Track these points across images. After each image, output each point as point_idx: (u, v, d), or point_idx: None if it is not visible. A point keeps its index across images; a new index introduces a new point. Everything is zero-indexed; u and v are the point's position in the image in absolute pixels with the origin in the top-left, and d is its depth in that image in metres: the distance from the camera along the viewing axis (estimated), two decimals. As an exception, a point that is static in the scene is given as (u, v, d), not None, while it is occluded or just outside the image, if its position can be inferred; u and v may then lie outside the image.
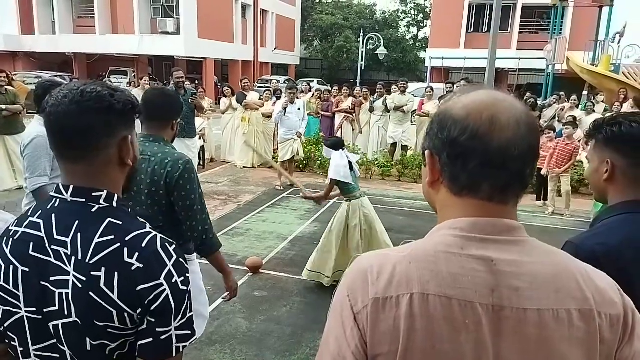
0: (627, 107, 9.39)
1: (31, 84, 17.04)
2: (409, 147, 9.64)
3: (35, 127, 2.82)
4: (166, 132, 2.21)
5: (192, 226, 2.13)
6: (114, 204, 1.03)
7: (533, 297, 0.74)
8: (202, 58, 23.63)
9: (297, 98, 8.45)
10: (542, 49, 15.49)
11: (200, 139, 8.46)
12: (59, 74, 21.37)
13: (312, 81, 25.06)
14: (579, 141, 8.40)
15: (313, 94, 10.78)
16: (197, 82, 21.62)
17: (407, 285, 0.75)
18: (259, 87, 19.95)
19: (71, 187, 1.02)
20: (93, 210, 1.01)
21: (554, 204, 6.79)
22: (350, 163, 4.12)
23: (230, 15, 25.71)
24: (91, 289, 0.95)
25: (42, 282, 0.99)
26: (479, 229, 0.77)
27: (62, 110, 0.98)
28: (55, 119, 1.00)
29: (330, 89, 11.53)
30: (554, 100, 9.65)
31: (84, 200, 1.01)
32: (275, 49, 30.84)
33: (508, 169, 0.77)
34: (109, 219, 1.00)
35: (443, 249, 0.77)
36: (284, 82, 23.39)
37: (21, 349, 1.03)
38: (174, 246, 1.03)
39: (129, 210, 1.08)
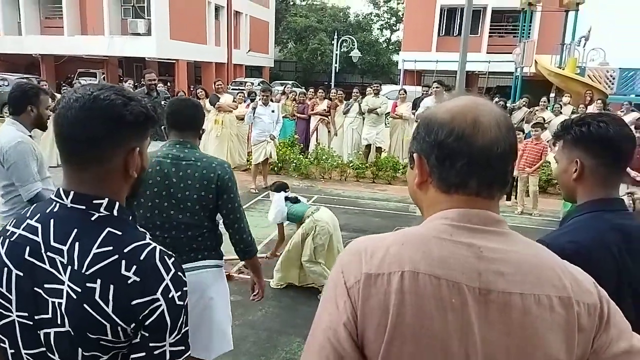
0: (592, 109, 9.70)
1: (-5, 85, 16.51)
2: (383, 149, 9.73)
3: (12, 131, 2.66)
4: (196, 140, 2.23)
5: (238, 229, 2.19)
6: (115, 213, 1.01)
7: (517, 282, 0.78)
8: (174, 60, 23.34)
9: (272, 100, 8.44)
10: (511, 52, 15.88)
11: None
12: (25, 75, 20.74)
13: (287, 84, 25.09)
14: (547, 142, 8.65)
15: (287, 95, 10.77)
16: (169, 84, 21.38)
17: (398, 263, 0.79)
18: (232, 89, 19.83)
19: (72, 193, 0.99)
20: (93, 218, 0.98)
21: (523, 204, 6.97)
22: (293, 198, 4.44)
23: (203, 16, 25.48)
24: (85, 301, 0.93)
25: (35, 288, 0.96)
26: (467, 219, 0.82)
27: (71, 115, 0.96)
28: (64, 123, 0.97)
29: (305, 91, 11.54)
30: (524, 103, 9.89)
31: (84, 207, 0.99)
32: (249, 51, 30.70)
33: (492, 166, 0.83)
34: (108, 229, 0.98)
35: (434, 234, 0.82)
36: (258, 84, 23.36)
37: (12, 351, 1.01)
38: (172, 259, 1.01)
39: (130, 218, 1.05)
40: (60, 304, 0.94)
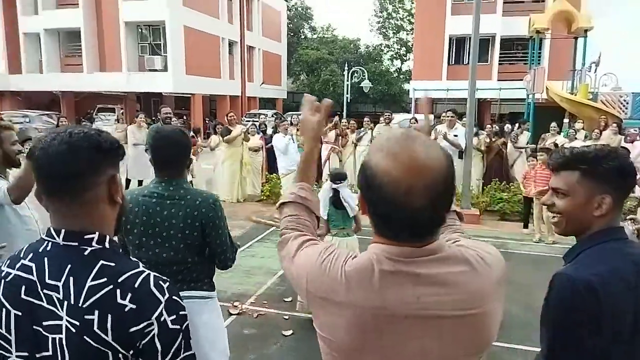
0: (608, 133, 9.63)
1: (18, 123, 17.03)
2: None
3: None
4: (183, 173, 2.22)
5: (223, 260, 2.24)
6: (106, 245, 1.04)
7: (448, 301, 0.93)
8: (190, 94, 23.88)
9: (286, 129, 8.64)
10: (522, 79, 15.94)
11: (189, 174, 8.47)
12: (46, 112, 21.39)
13: (300, 114, 25.35)
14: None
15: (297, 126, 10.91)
16: (185, 117, 21.80)
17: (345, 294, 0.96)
18: (247, 120, 20.16)
19: (63, 231, 1.02)
20: (85, 253, 1.01)
21: (540, 231, 6.85)
22: (336, 198, 4.08)
23: (217, 51, 26.18)
24: (85, 333, 0.95)
25: (34, 327, 0.98)
26: (405, 255, 0.94)
27: (52, 152, 1.00)
28: (46, 161, 1.01)
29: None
30: (527, 128, 10.06)
31: (76, 243, 1.02)
32: (262, 83, 31.32)
33: (421, 225, 0.94)
34: (101, 262, 1.00)
35: (377, 267, 0.94)
36: (272, 116, 23.70)
37: None
38: (167, 284, 1.03)
39: (121, 250, 1.09)
40: (60, 339, 0.96)
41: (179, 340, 1.00)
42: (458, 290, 0.94)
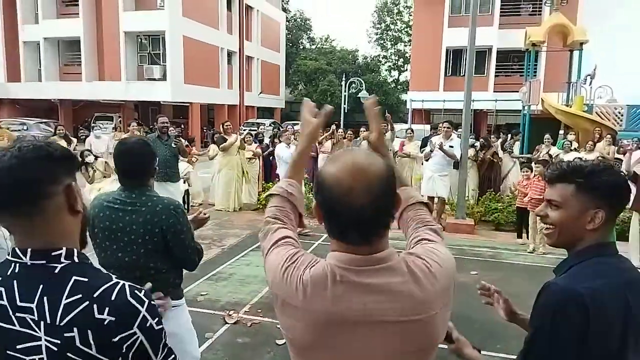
0: (602, 145, 9.70)
1: (16, 130, 17.05)
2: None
3: None
4: (147, 181, 2.27)
5: (188, 262, 2.29)
6: (75, 259, 1.03)
7: (392, 308, 1.03)
8: (188, 103, 23.95)
9: (280, 140, 8.71)
10: (518, 91, 16.06)
11: (185, 183, 8.48)
12: (44, 120, 21.43)
13: (297, 124, 25.47)
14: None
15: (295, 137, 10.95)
16: (182, 126, 21.86)
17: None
18: (243, 129, 20.25)
19: (29, 250, 1.01)
20: (56, 271, 1.00)
21: (535, 242, 6.88)
22: None
23: (216, 61, 26.31)
24: (68, 350, 0.95)
25: (8, 352, 0.97)
26: (355, 263, 1.04)
27: (3, 167, 0.99)
28: None
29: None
30: (518, 139, 10.13)
31: (44, 261, 1.00)
32: (260, 93, 31.46)
33: (364, 223, 1.02)
34: (74, 278, 1.00)
35: (329, 277, 1.03)
36: (270, 125, 23.79)
37: None
38: (143, 291, 1.05)
39: (89, 262, 1.08)
40: (41, 359, 0.96)
41: (163, 337, 1.06)
42: (402, 298, 1.03)
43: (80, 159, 6.99)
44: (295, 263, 1.09)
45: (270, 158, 10.32)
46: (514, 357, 3.97)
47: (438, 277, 1.07)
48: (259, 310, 4.58)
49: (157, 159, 2.34)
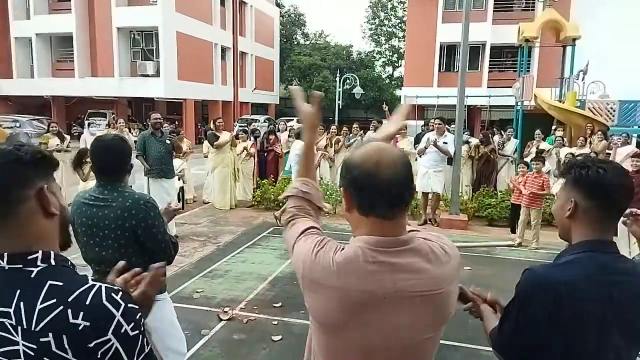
0: (595, 140, 9.78)
1: (8, 127, 16.92)
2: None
3: None
4: (121, 178, 2.31)
5: (163, 256, 2.28)
6: (52, 262, 1.02)
7: (418, 284, 1.17)
8: (182, 99, 23.86)
9: (276, 137, 8.68)
10: (511, 87, 16.13)
11: (179, 179, 8.47)
12: (36, 117, 21.28)
13: (292, 119, 25.45)
14: (548, 173, 8.75)
15: (290, 134, 10.92)
16: (176, 122, 21.78)
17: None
18: (239, 126, 20.22)
19: (5, 255, 1.00)
20: (32, 275, 0.99)
21: (522, 236, 6.96)
22: None
23: (210, 57, 26.21)
24: (45, 355, 0.95)
25: None
26: (383, 245, 1.17)
27: None
28: None
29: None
30: (510, 134, 10.22)
31: (21, 266, 1.00)
32: (254, 89, 31.37)
33: (392, 193, 1.15)
34: (49, 282, 0.99)
35: (352, 258, 1.15)
36: (264, 121, 23.74)
37: None
38: (120, 293, 1.03)
39: (69, 263, 1.07)
40: None
41: (139, 342, 1.03)
42: (426, 275, 1.18)
43: (78, 158, 6.96)
44: (324, 247, 1.20)
45: (265, 155, 10.32)
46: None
47: (451, 256, 1.25)
48: (255, 307, 4.61)
49: (133, 155, 2.41)
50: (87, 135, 10.22)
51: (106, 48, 23.03)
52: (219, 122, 9.23)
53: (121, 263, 1.42)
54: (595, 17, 17.29)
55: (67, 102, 25.34)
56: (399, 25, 38.13)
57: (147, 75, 23.02)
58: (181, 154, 8.56)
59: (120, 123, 10.07)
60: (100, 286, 1.02)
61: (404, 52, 30.37)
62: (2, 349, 0.97)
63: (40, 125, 19.35)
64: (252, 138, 10.21)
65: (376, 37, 40.32)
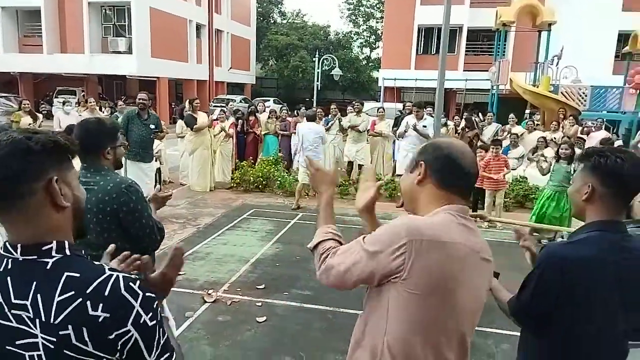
0: (567, 124, 10.04)
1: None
2: (365, 167, 9.87)
3: None
4: (101, 161, 2.25)
5: (148, 240, 2.28)
6: (67, 252, 1.01)
7: (485, 248, 1.41)
8: (155, 77, 23.28)
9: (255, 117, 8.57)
10: (487, 70, 16.32)
11: (156, 160, 8.33)
12: (4, 95, 20.45)
13: (268, 100, 25.18)
14: (522, 157, 8.99)
15: (269, 115, 10.81)
16: (150, 100, 21.28)
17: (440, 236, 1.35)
18: (215, 106, 19.88)
19: (19, 246, 0.99)
20: (48, 267, 0.98)
21: (490, 217, 7.22)
22: None
23: (185, 34, 25.57)
24: (65, 347, 0.94)
25: (7, 347, 0.96)
26: (461, 212, 1.39)
27: None
28: None
29: (287, 109, 11.65)
30: (490, 118, 10.43)
31: (35, 257, 0.98)
32: (230, 68, 30.84)
33: (469, 177, 1.43)
34: (66, 273, 0.97)
35: (448, 219, 1.36)
36: (240, 101, 23.43)
37: None
38: (138, 282, 1.02)
39: (83, 252, 1.05)
40: (39, 355, 0.95)
41: (157, 333, 1.03)
42: (484, 243, 1.41)
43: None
44: (411, 218, 1.38)
45: (245, 136, 10.22)
46: (509, 332, 4.16)
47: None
48: (238, 289, 4.64)
49: (117, 140, 2.32)
50: (60, 114, 9.88)
51: (76, 23, 22.17)
52: (196, 103, 8.88)
53: (112, 246, 1.42)
54: (570, 4, 17.56)
55: (35, 79, 24.39)
56: (377, 6, 37.85)
57: (119, 52, 22.34)
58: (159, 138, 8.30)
59: (90, 102, 9.74)
60: (118, 276, 1.00)
61: (382, 33, 30.29)
62: (20, 342, 0.96)
63: (8, 103, 18.61)
64: (233, 118, 10.05)
65: (354, 18, 39.95)
